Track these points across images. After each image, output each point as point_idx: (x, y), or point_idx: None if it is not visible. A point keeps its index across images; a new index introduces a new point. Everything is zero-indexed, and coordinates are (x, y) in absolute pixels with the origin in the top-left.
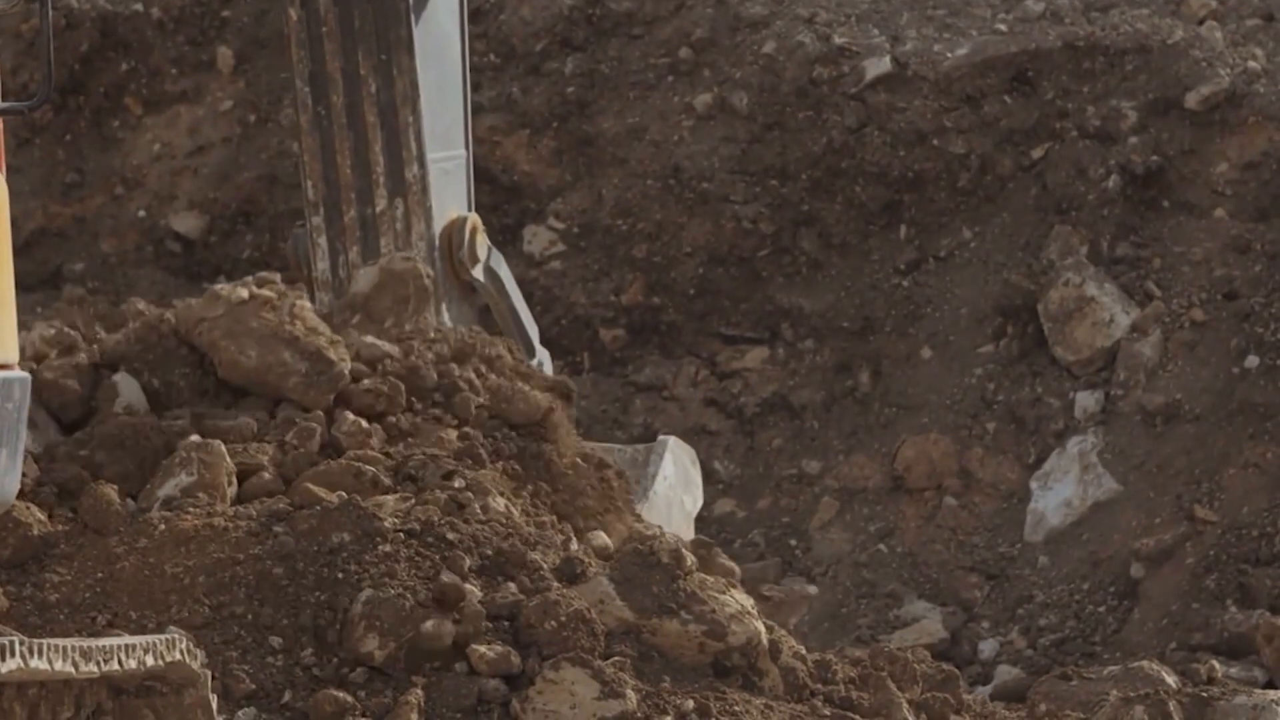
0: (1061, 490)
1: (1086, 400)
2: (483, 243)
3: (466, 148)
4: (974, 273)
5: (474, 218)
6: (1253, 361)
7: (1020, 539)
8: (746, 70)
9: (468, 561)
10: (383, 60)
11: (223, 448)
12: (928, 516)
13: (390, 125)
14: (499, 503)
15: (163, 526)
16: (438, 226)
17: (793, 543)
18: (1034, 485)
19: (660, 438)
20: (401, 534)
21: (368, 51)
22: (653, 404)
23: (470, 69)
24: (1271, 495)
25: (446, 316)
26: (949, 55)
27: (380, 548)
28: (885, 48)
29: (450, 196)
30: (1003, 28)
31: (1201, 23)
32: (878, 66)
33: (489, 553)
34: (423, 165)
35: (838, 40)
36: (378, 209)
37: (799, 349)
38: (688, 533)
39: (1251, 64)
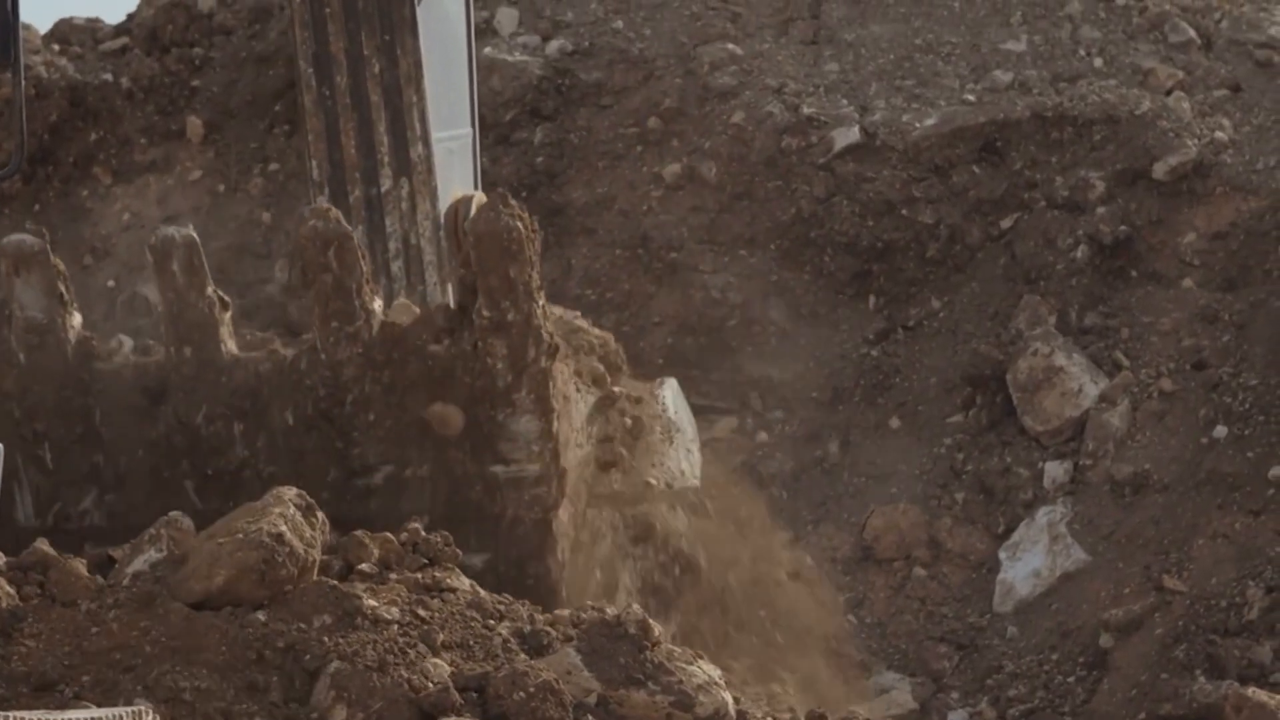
0: (1030, 560)
1: (1055, 470)
2: None
3: (473, 126)
4: (943, 342)
5: (480, 196)
6: (1221, 432)
7: (989, 609)
8: (715, 140)
9: (440, 636)
10: (386, 41)
11: (191, 524)
12: (897, 587)
13: (394, 105)
14: (464, 582)
15: (132, 600)
16: (443, 205)
17: (762, 613)
18: (1003, 555)
19: (660, 379)
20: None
21: (371, 32)
22: None
23: None
24: (1240, 565)
25: (451, 296)
26: (917, 125)
27: (355, 625)
28: (854, 118)
29: (456, 175)
30: (971, 98)
31: (1169, 93)
32: (846, 136)
33: (457, 626)
34: (427, 145)
35: (806, 110)
36: (383, 189)
37: (768, 419)
38: (689, 463)
39: (1219, 134)
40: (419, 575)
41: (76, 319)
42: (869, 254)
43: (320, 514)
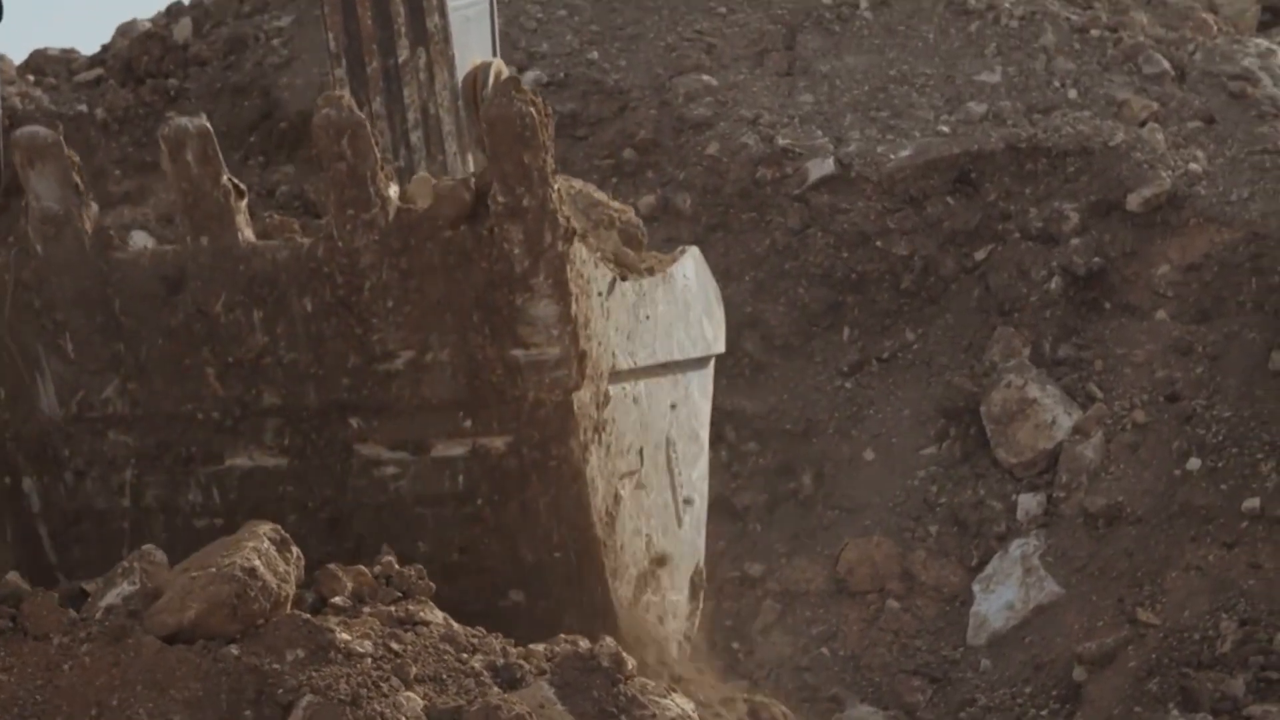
0: (1004, 593)
1: (1029, 503)
2: None
3: None
4: (917, 374)
5: (499, 62)
6: (1194, 464)
7: (963, 642)
8: (690, 171)
9: (413, 669)
10: None
11: (165, 558)
12: (870, 619)
13: None
14: (437, 615)
15: (104, 634)
16: (461, 75)
17: (735, 646)
18: (976, 588)
19: (682, 247)
20: (351, 647)
21: None
22: None
23: None
24: (1213, 598)
25: (472, 164)
26: (892, 157)
27: (328, 659)
28: (829, 149)
29: (474, 43)
30: (945, 129)
31: (1143, 125)
32: (821, 168)
33: (431, 659)
34: (444, 14)
35: (781, 142)
36: (400, 59)
37: (742, 451)
38: (699, 341)
39: (1193, 166)
40: (392, 608)
41: (93, 209)
42: (843, 285)
43: (295, 548)
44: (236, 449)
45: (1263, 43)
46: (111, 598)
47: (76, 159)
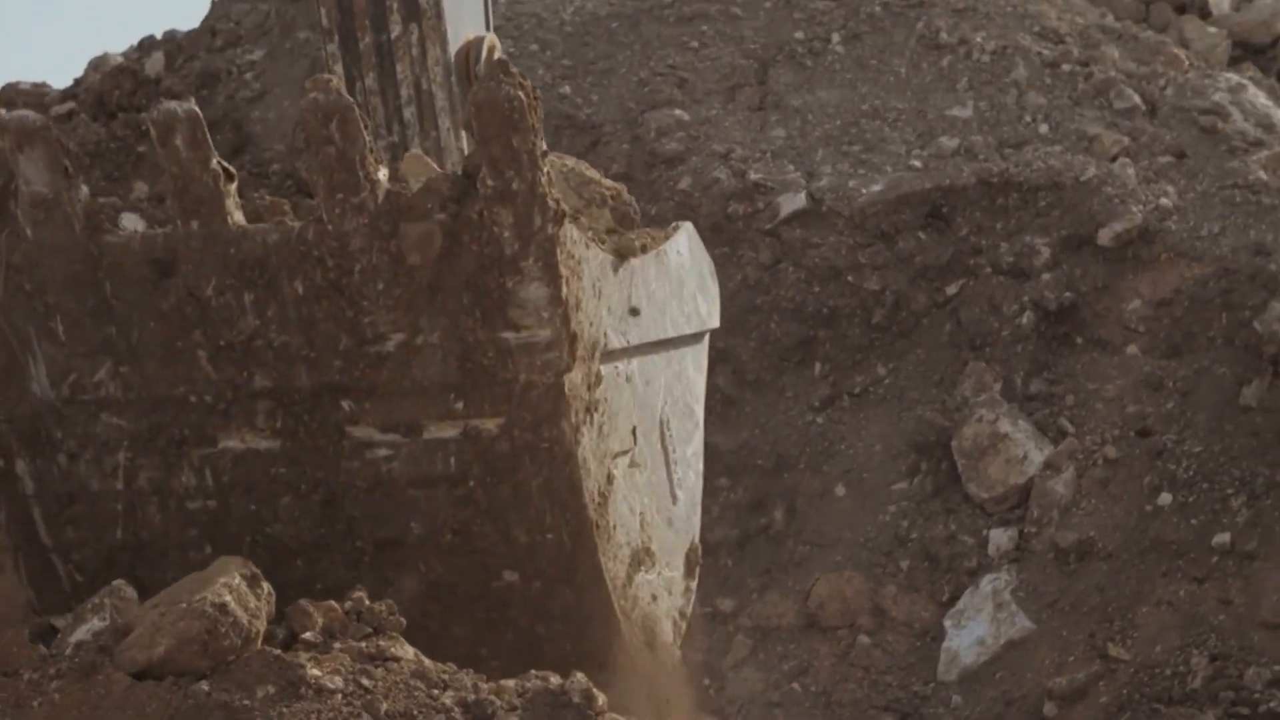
0: (975, 629)
1: (1000, 538)
2: None
3: None
4: (888, 409)
5: (491, 37)
6: (1165, 499)
7: (934, 677)
8: (663, 205)
9: (384, 705)
10: None
11: (135, 594)
12: (841, 655)
13: None
14: (408, 651)
15: (74, 670)
16: (454, 50)
17: (706, 682)
18: (948, 623)
19: (675, 223)
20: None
21: None
22: None
23: None
24: (1184, 633)
25: (465, 140)
26: (864, 191)
27: (299, 695)
28: (801, 183)
29: (467, 18)
30: (917, 164)
31: (1114, 160)
32: (793, 202)
33: (401, 695)
34: None
35: (753, 176)
36: (393, 35)
37: (713, 486)
38: (694, 317)
39: (1164, 201)
40: (363, 644)
41: (83, 192)
42: (815, 320)
43: (266, 584)
44: (229, 431)
45: (1233, 77)
46: (81, 633)
47: (65, 143)
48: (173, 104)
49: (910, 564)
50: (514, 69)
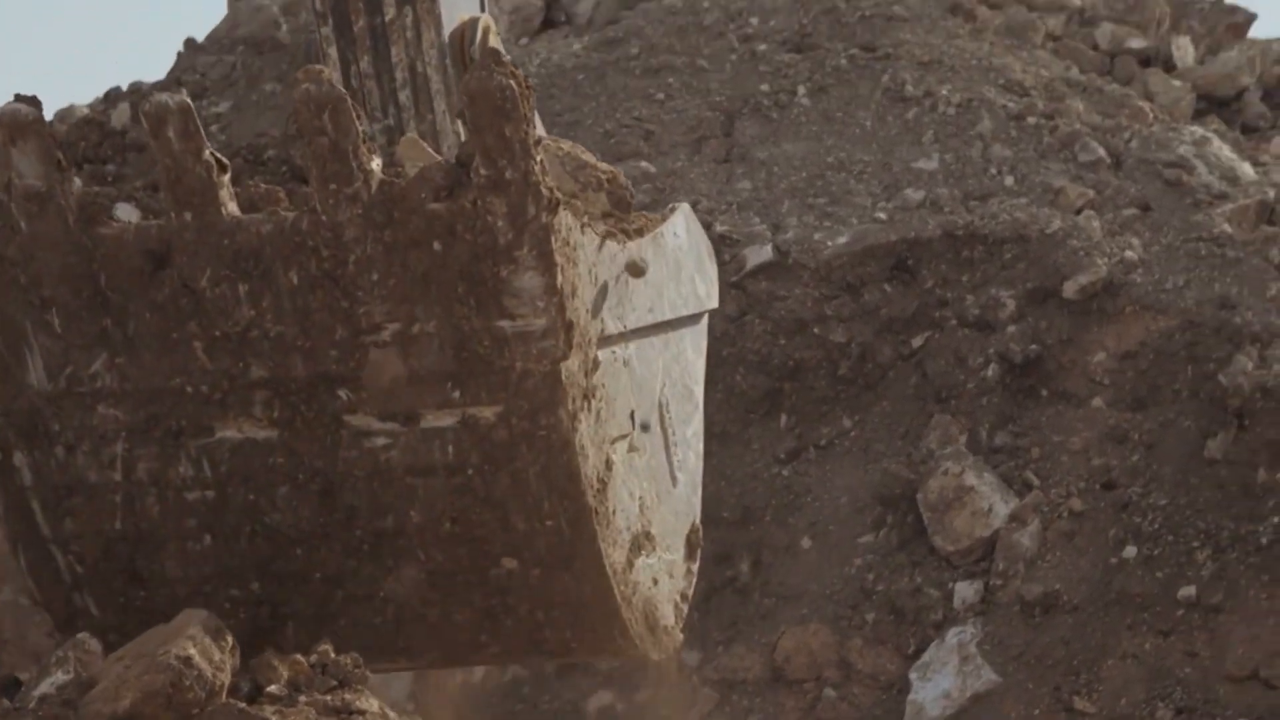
0: (941, 681)
1: (966, 590)
2: (496, 43)
3: None
4: (854, 461)
5: (486, 18)
6: (1130, 552)
7: None
8: None
9: None
10: None
11: (99, 647)
12: (807, 708)
13: None
14: (373, 703)
15: None
16: (448, 32)
17: None
18: (913, 676)
19: (672, 204)
20: None
21: None
22: None
23: None
24: (1150, 686)
25: (460, 123)
26: (830, 244)
27: None
28: (766, 236)
29: (462, 0)
30: (883, 216)
31: (1079, 212)
32: (759, 255)
33: None
34: None
35: (719, 228)
36: (387, 17)
37: None
38: (691, 299)
39: (1129, 253)
40: (328, 697)
41: (76, 184)
42: (780, 372)
43: (230, 636)
44: (226, 421)
45: (1198, 130)
46: (45, 687)
47: (58, 136)
48: (164, 96)
49: (876, 617)
50: (506, 57)
